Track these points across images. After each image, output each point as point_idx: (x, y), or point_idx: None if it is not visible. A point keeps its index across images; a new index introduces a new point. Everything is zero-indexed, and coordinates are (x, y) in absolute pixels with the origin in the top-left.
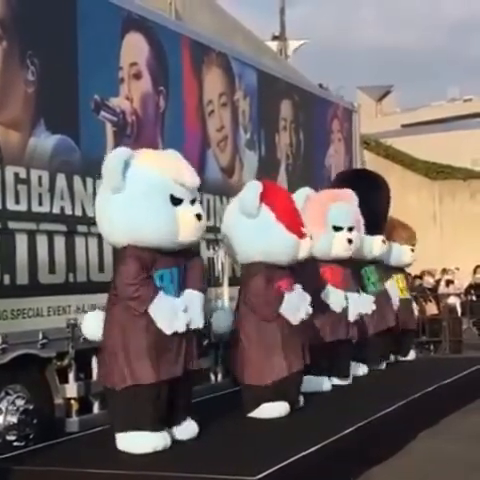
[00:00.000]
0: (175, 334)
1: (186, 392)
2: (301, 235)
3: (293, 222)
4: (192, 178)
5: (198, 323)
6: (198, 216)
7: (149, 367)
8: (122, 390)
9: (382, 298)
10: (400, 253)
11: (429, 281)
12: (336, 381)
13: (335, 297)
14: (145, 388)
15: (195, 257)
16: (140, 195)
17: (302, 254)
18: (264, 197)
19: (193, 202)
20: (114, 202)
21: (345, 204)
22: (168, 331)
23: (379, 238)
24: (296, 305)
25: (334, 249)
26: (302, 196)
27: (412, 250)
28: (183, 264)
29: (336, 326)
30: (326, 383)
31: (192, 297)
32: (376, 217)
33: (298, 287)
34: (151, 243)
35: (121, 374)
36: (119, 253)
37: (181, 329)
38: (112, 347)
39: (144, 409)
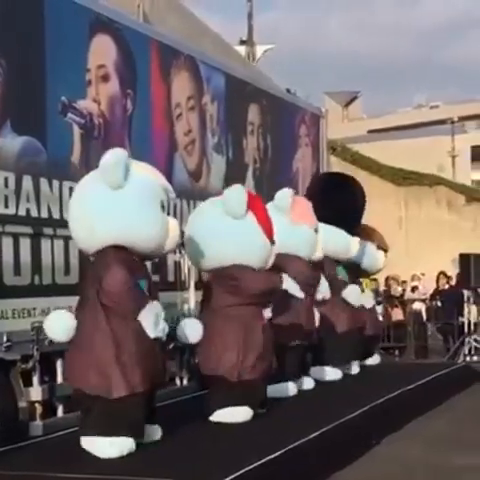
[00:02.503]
0: (155, 340)
1: (154, 397)
2: (273, 243)
3: (269, 229)
4: (171, 188)
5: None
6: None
7: (142, 375)
8: (113, 399)
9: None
10: (375, 258)
11: (397, 289)
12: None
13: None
14: (136, 396)
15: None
16: (139, 196)
17: (270, 262)
18: (249, 201)
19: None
20: (112, 198)
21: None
22: (152, 334)
23: (356, 239)
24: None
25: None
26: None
27: (385, 256)
28: (149, 276)
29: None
30: (292, 388)
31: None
32: (352, 220)
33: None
34: (139, 244)
35: (115, 383)
36: (100, 258)
37: (163, 335)
38: (101, 356)
39: (128, 416)
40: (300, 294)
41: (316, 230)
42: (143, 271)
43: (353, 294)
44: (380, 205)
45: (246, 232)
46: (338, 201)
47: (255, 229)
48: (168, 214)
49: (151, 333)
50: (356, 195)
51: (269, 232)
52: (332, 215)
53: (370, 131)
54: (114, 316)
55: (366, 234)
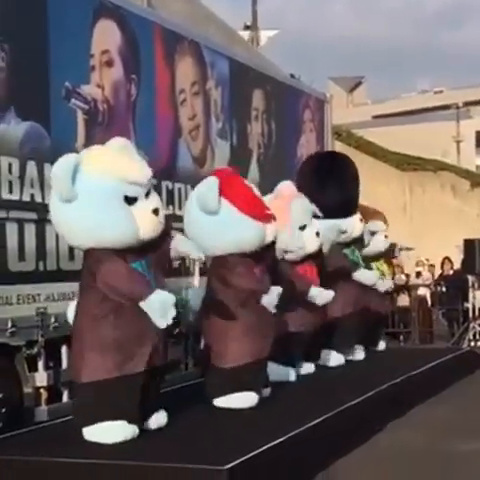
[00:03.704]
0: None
1: (159, 382)
2: (266, 219)
3: (255, 209)
4: (142, 173)
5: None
6: (155, 211)
7: (139, 357)
8: (105, 381)
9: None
10: (376, 240)
11: (401, 278)
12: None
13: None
14: (132, 378)
15: (161, 246)
16: (94, 202)
17: (269, 238)
18: (222, 190)
19: (147, 195)
20: (69, 211)
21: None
22: (162, 325)
23: (357, 217)
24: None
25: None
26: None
27: (386, 236)
28: (150, 253)
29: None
30: (292, 373)
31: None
32: (350, 198)
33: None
34: (114, 245)
35: (110, 365)
36: (89, 256)
37: (170, 323)
38: (99, 340)
39: (127, 399)
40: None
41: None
42: (135, 255)
43: (364, 275)
44: (385, 190)
45: (226, 224)
46: (333, 183)
47: (234, 217)
48: (147, 196)
49: (159, 323)
50: (351, 175)
51: (256, 212)
52: (327, 197)
53: (375, 117)
54: (109, 300)
55: (366, 215)
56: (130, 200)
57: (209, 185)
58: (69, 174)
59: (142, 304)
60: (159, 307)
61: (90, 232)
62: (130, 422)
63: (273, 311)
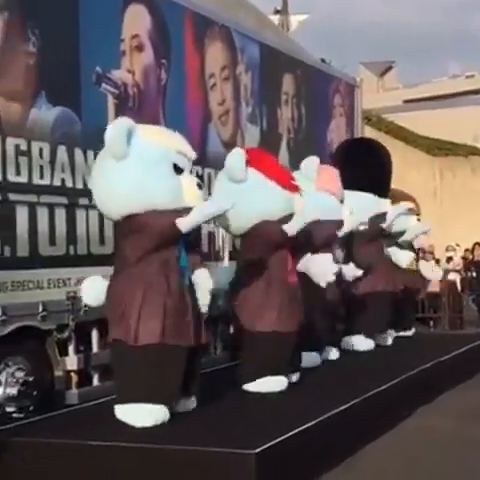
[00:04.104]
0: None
1: (196, 366)
2: (293, 189)
3: (283, 178)
4: (190, 149)
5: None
6: (199, 185)
7: (177, 330)
8: (150, 346)
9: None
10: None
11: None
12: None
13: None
14: (170, 354)
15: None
16: (145, 162)
17: (297, 207)
18: (250, 161)
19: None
20: (119, 170)
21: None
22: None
23: (387, 201)
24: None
25: None
26: (313, 165)
27: (418, 220)
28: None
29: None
30: (318, 358)
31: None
32: (381, 182)
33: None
34: (159, 208)
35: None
36: (131, 223)
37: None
38: (131, 307)
39: (163, 381)
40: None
41: (342, 201)
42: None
43: (405, 257)
44: (415, 175)
45: (254, 191)
46: (366, 166)
47: (262, 184)
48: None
49: (204, 300)
50: (383, 159)
51: (284, 181)
52: (360, 181)
53: (405, 101)
54: (155, 269)
55: (397, 199)
56: (178, 169)
57: (236, 154)
58: (124, 133)
59: None
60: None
61: (138, 191)
62: (167, 404)
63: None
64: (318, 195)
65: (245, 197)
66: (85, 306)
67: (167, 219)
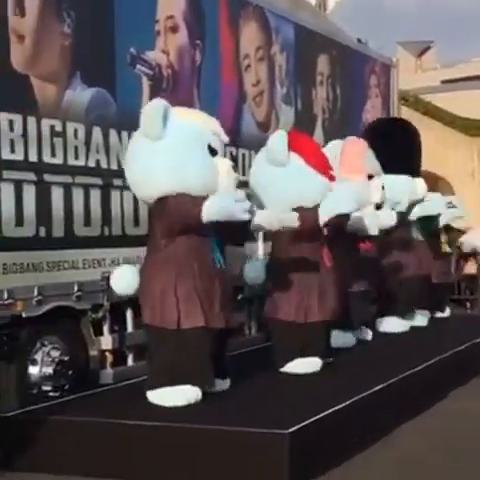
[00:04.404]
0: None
1: (225, 347)
2: (331, 178)
3: (322, 166)
4: (224, 133)
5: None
6: (234, 168)
7: (211, 313)
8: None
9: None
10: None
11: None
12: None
13: None
14: (203, 335)
15: None
16: (181, 143)
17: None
18: (291, 145)
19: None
20: (156, 149)
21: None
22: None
23: (421, 179)
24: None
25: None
26: (336, 148)
27: (451, 203)
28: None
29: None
30: (352, 339)
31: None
32: (412, 160)
33: None
34: (194, 189)
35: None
36: (163, 205)
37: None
38: (165, 289)
39: (195, 363)
40: None
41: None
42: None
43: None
44: (453, 156)
45: (293, 175)
46: (395, 146)
47: (302, 170)
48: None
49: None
50: (412, 138)
51: (323, 169)
52: (390, 161)
53: (443, 81)
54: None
55: (429, 181)
56: (212, 150)
57: (278, 137)
58: (160, 113)
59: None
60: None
61: (173, 171)
62: (201, 386)
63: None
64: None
65: (283, 181)
66: None
67: (195, 207)
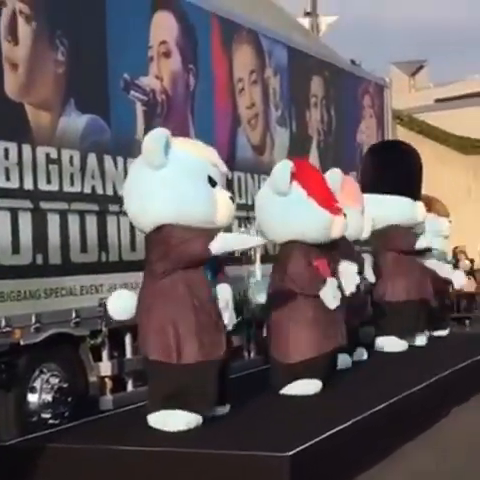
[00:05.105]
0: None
1: (226, 374)
2: (335, 211)
3: (325, 199)
4: (224, 164)
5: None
6: (232, 199)
7: (213, 344)
8: (180, 367)
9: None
10: (439, 224)
11: (466, 263)
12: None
13: None
14: (203, 365)
15: None
16: (182, 173)
17: (336, 231)
18: (296, 175)
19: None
20: (156, 178)
21: None
22: (230, 323)
23: (421, 203)
24: (335, 292)
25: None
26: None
27: (449, 221)
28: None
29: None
30: (347, 360)
31: (225, 292)
32: (412, 184)
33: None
34: (192, 221)
35: (188, 349)
36: (162, 234)
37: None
38: (166, 323)
39: (196, 388)
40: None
41: (362, 211)
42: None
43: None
44: (448, 175)
45: (294, 207)
46: (397, 169)
47: (303, 201)
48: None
49: (227, 319)
50: (414, 162)
51: (326, 202)
52: (392, 184)
53: (437, 100)
54: (183, 287)
55: (427, 202)
56: (212, 182)
57: (282, 165)
58: (162, 142)
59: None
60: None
61: (173, 202)
62: (202, 411)
63: (331, 306)
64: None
65: (283, 211)
66: None
67: (200, 244)
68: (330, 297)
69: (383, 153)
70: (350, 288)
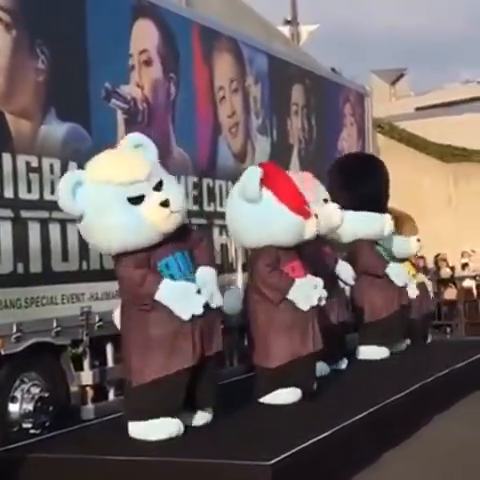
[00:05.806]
0: (193, 319)
1: (209, 377)
2: (306, 215)
3: (296, 203)
4: (141, 169)
5: (217, 300)
6: (164, 203)
7: (164, 359)
8: (141, 385)
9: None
10: (408, 245)
11: (446, 271)
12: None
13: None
14: (176, 376)
15: (198, 237)
16: (99, 212)
17: (308, 234)
18: (265, 181)
19: (159, 188)
20: (83, 225)
21: None
22: (184, 316)
23: (388, 216)
24: (306, 292)
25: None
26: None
27: (418, 240)
28: (187, 247)
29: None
30: (326, 368)
31: (205, 274)
32: (379, 197)
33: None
34: (135, 247)
35: (139, 369)
36: (115, 262)
37: (198, 311)
38: (129, 343)
39: (163, 399)
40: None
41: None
42: (166, 250)
43: (395, 271)
44: (429, 183)
45: (265, 213)
46: (363, 184)
47: (273, 208)
48: (159, 186)
49: (179, 312)
50: (380, 176)
51: (297, 206)
52: (358, 198)
53: (418, 108)
54: (133, 308)
55: (396, 220)
56: (135, 200)
57: (251, 173)
58: (70, 191)
59: (158, 298)
60: (175, 298)
61: (109, 239)
62: (170, 417)
63: (303, 308)
64: None
65: (255, 218)
66: (99, 321)
67: (139, 280)
68: (300, 298)
69: (348, 167)
70: (349, 281)
